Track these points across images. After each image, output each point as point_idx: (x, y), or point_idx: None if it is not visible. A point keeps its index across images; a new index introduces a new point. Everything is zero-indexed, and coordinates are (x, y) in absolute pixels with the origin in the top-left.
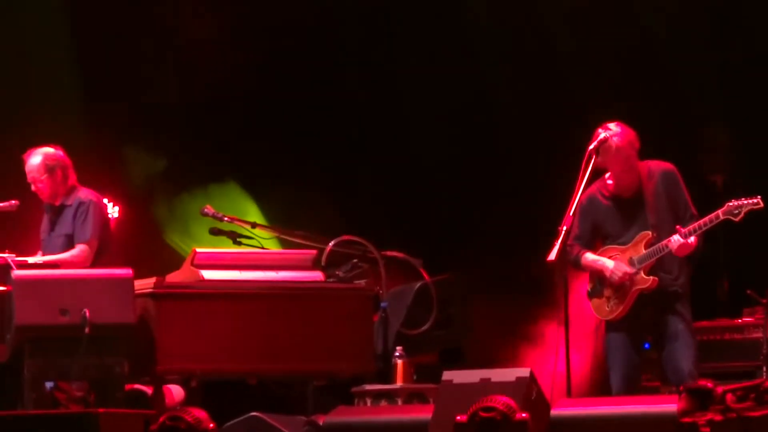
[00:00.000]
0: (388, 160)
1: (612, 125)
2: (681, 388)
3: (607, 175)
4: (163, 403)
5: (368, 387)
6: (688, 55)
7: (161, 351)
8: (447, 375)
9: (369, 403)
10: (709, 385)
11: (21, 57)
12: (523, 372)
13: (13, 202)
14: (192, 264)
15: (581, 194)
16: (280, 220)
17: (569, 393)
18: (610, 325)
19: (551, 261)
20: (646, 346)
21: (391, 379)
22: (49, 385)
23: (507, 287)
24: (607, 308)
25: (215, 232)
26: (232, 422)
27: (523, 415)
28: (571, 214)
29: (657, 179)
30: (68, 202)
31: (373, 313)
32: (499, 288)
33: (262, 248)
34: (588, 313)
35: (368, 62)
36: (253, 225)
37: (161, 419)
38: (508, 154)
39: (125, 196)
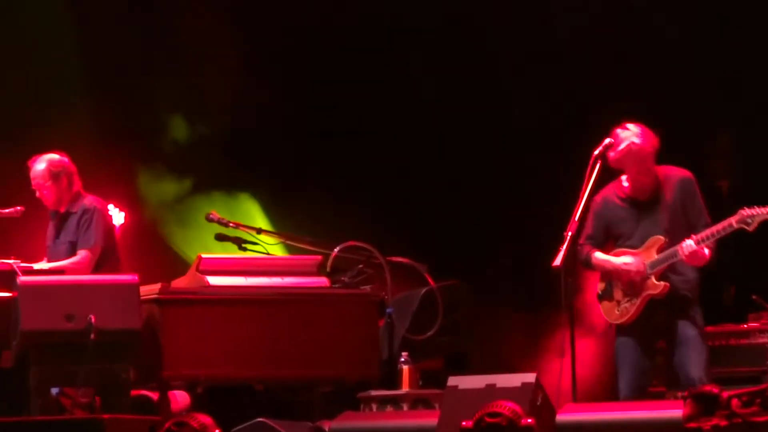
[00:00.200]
0: (394, 165)
1: (631, 126)
2: (686, 393)
3: (624, 177)
4: (169, 408)
5: (374, 392)
6: (693, 59)
7: (167, 357)
8: (452, 380)
9: (374, 409)
10: (715, 390)
11: (27, 62)
12: (529, 377)
13: (18, 208)
14: (197, 270)
15: (595, 195)
16: (285, 225)
17: (575, 398)
18: (620, 329)
19: (557, 266)
20: None
21: (396, 385)
22: (54, 390)
23: (513, 292)
24: (617, 311)
25: (221, 237)
26: (237, 428)
27: (529, 420)
28: (576, 219)
29: (674, 185)
30: (73, 209)
31: (378, 319)
32: (505, 293)
33: (268, 254)
34: (595, 317)
35: (375, 66)
36: (259, 231)
37: (167, 425)
38: (514, 159)
39: (131, 202)
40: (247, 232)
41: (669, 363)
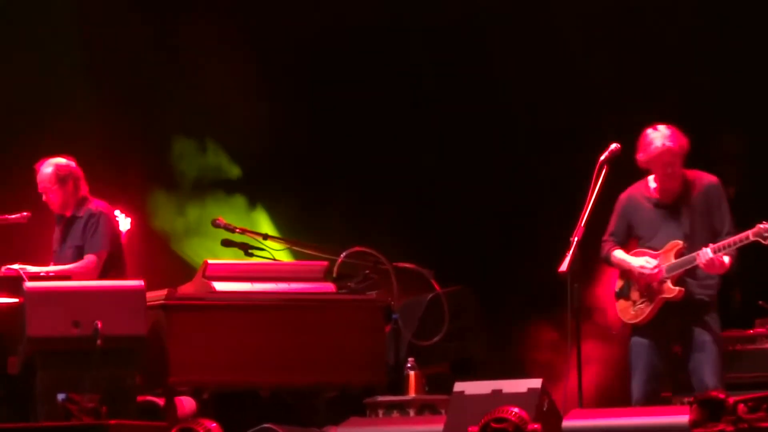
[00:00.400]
0: (401, 170)
1: (662, 127)
2: (692, 399)
3: (651, 177)
4: (175, 414)
5: (380, 398)
6: (698, 62)
7: (173, 362)
8: (459, 386)
9: (381, 415)
10: (721, 395)
11: (34, 67)
12: (535, 383)
13: (25, 213)
14: (204, 275)
15: (621, 193)
16: (291, 231)
17: (581, 404)
18: (636, 329)
19: (563, 272)
20: None
21: (403, 390)
22: (60, 396)
23: (519, 298)
24: (632, 311)
25: (227, 243)
26: None
27: (535, 426)
28: (583, 224)
29: (700, 190)
30: (79, 214)
31: (384, 325)
32: (511, 299)
33: (274, 260)
34: (610, 316)
35: (381, 72)
36: (265, 236)
37: (173, 431)
38: (521, 164)
39: (137, 208)
40: (253, 238)
41: (680, 368)
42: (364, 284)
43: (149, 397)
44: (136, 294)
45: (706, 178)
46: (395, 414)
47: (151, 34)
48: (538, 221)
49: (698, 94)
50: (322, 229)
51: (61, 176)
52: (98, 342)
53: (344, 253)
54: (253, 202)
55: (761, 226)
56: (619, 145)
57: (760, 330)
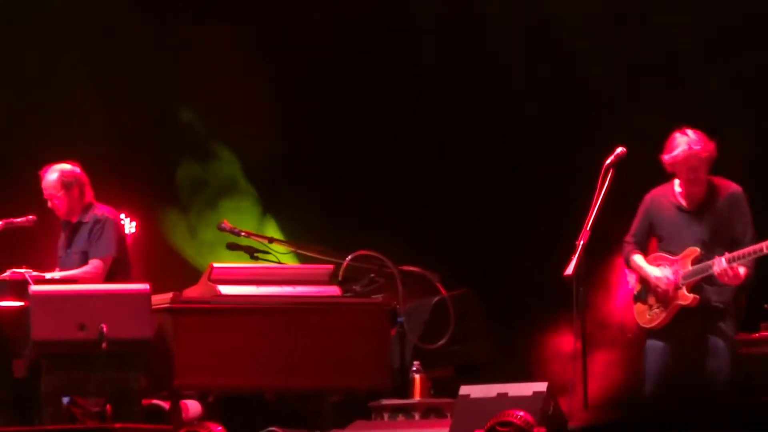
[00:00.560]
0: (405, 173)
1: (690, 132)
2: None
3: (677, 181)
4: (180, 417)
5: (385, 401)
6: (702, 63)
7: (178, 366)
8: (464, 389)
9: (386, 418)
10: None
11: (39, 72)
12: (540, 386)
13: (31, 217)
14: (209, 279)
15: (647, 193)
16: (297, 234)
17: (586, 407)
18: (651, 333)
19: (568, 276)
20: None
21: (408, 394)
22: (66, 399)
23: (524, 301)
24: (648, 316)
25: (232, 247)
26: None
27: (541, 429)
28: (588, 228)
29: (723, 198)
30: (85, 219)
31: (390, 328)
32: (517, 302)
33: (279, 263)
34: (627, 319)
35: (386, 75)
36: (270, 240)
37: None
38: (527, 168)
39: (142, 212)
40: (258, 241)
41: (694, 374)
42: (369, 288)
43: (155, 401)
44: (142, 297)
45: (731, 187)
46: (400, 417)
47: (151, 35)
48: (543, 225)
49: (704, 97)
50: (327, 233)
51: (66, 182)
52: (103, 345)
53: (350, 257)
54: (260, 206)
55: None
56: (624, 149)
57: (765, 334)
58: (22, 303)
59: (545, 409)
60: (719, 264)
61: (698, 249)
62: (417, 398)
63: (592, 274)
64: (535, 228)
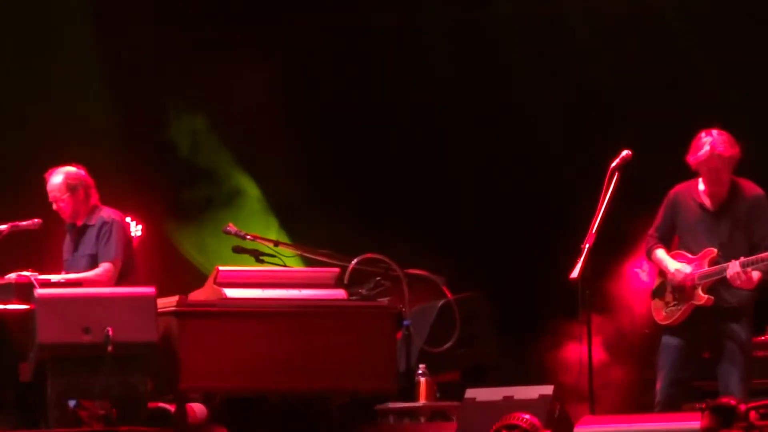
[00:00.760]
0: (412, 177)
1: (716, 132)
2: (704, 405)
3: (702, 179)
4: (186, 421)
5: (391, 405)
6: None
7: (184, 369)
8: (470, 393)
9: (392, 421)
10: (733, 402)
11: (44, 76)
12: (546, 389)
13: (36, 220)
14: (215, 282)
15: (671, 189)
16: (302, 238)
17: (592, 410)
18: (667, 330)
19: (574, 278)
20: None
21: (414, 397)
22: (71, 403)
23: (530, 305)
24: (664, 312)
25: (238, 250)
26: None
27: None
28: (594, 231)
29: (744, 200)
30: (91, 222)
31: (395, 331)
32: (522, 306)
33: (285, 266)
34: (645, 314)
35: (395, 81)
36: (276, 243)
37: None
38: (534, 172)
39: (148, 215)
40: (264, 245)
41: (708, 373)
42: (375, 291)
43: (160, 404)
44: (147, 300)
45: (754, 189)
46: (406, 421)
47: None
48: (549, 228)
49: (710, 101)
50: (333, 236)
51: (72, 185)
52: (109, 348)
53: (356, 260)
54: (266, 209)
55: None
56: (630, 152)
57: None
58: (27, 306)
59: (551, 412)
60: (733, 267)
61: (715, 250)
62: (423, 402)
63: (600, 275)
64: (540, 231)
